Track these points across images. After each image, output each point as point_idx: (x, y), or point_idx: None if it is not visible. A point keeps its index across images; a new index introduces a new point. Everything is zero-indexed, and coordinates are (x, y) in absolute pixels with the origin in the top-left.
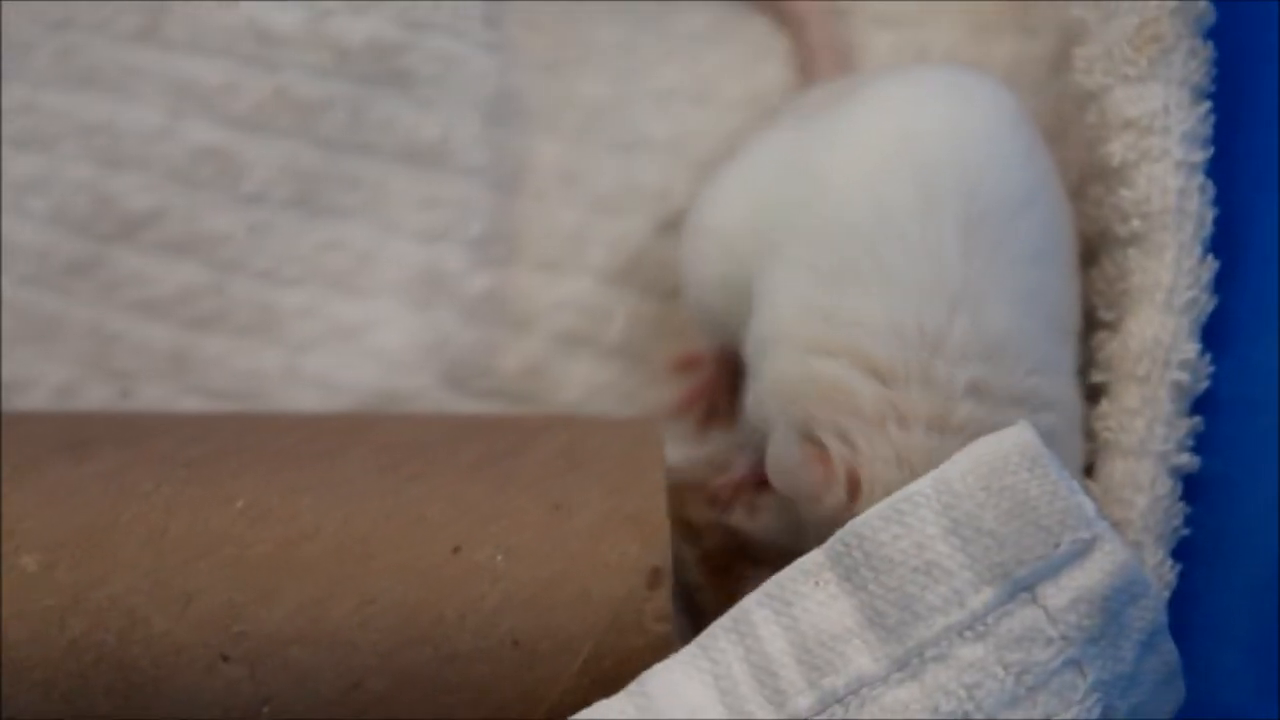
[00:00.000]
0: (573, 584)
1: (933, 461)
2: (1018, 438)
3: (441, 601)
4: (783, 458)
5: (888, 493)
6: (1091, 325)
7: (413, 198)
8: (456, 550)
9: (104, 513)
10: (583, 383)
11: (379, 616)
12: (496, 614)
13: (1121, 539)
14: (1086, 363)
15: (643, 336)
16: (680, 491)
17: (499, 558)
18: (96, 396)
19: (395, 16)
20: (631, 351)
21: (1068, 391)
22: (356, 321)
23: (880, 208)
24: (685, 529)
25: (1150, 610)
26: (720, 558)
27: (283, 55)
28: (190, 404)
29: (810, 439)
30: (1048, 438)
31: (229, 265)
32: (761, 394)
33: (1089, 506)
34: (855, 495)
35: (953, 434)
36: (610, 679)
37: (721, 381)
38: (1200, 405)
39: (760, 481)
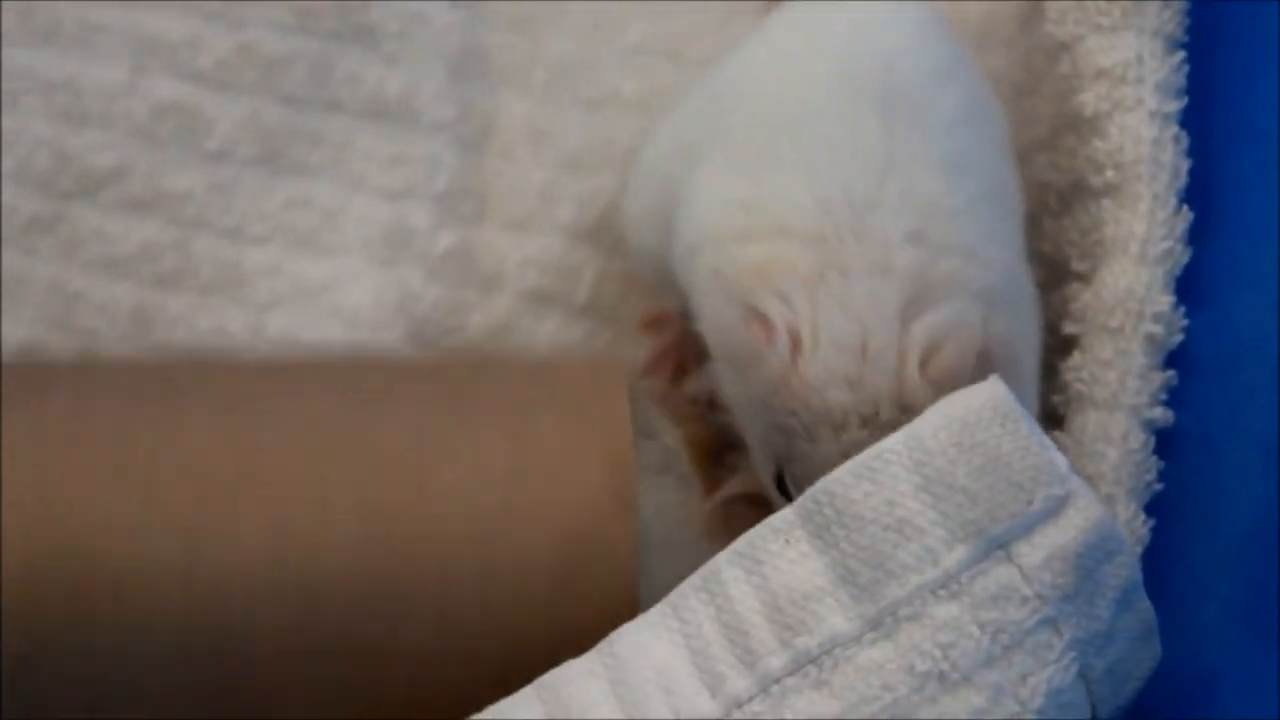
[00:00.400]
0: (538, 516)
1: (880, 308)
2: (990, 393)
3: (405, 534)
4: (721, 318)
5: (834, 344)
6: (1065, 276)
7: (378, 155)
8: (420, 483)
9: (61, 446)
10: (551, 341)
11: (341, 549)
12: (461, 546)
13: (1095, 495)
14: (1060, 314)
15: (611, 295)
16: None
17: (464, 490)
18: (60, 355)
19: None
20: (600, 310)
21: (1013, 260)
22: (322, 280)
23: (797, 93)
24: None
25: (1125, 567)
26: (706, 449)
27: (246, 11)
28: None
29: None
30: (991, 300)
31: (192, 223)
32: (698, 305)
33: (1061, 463)
34: (797, 349)
35: (896, 279)
36: (576, 612)
37: (689, 340)
38: (1174, 359)
39: None
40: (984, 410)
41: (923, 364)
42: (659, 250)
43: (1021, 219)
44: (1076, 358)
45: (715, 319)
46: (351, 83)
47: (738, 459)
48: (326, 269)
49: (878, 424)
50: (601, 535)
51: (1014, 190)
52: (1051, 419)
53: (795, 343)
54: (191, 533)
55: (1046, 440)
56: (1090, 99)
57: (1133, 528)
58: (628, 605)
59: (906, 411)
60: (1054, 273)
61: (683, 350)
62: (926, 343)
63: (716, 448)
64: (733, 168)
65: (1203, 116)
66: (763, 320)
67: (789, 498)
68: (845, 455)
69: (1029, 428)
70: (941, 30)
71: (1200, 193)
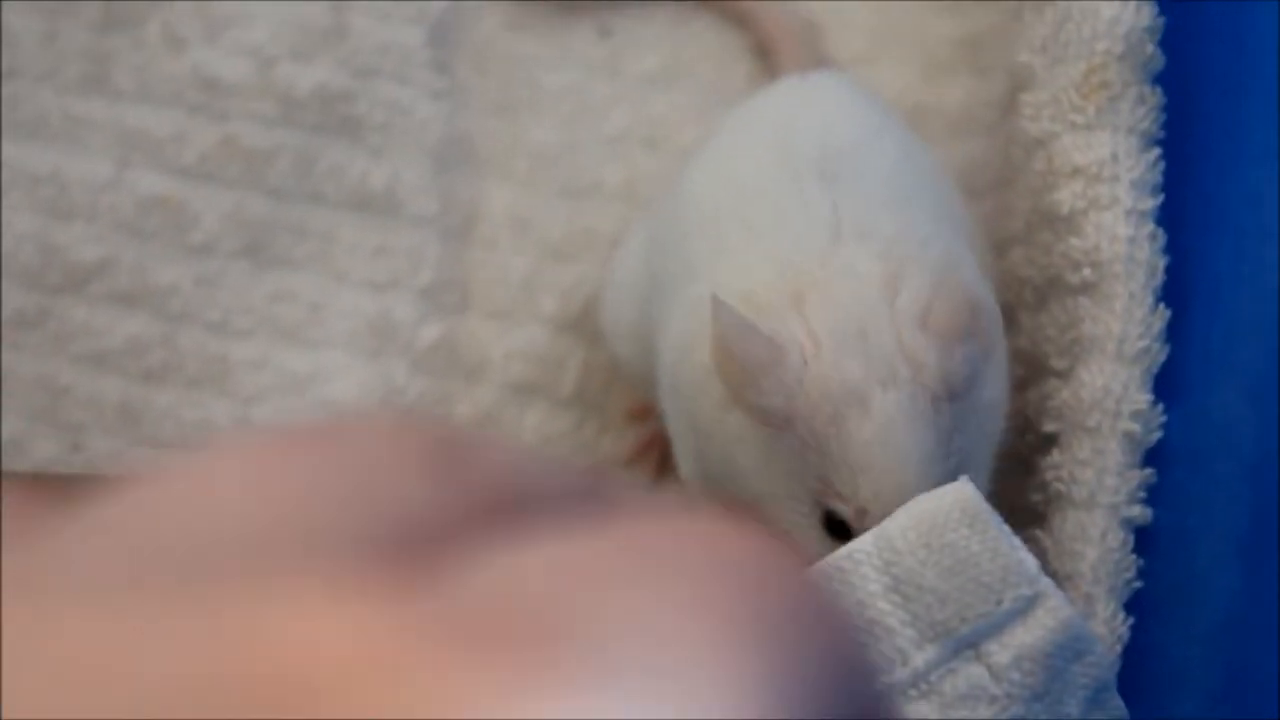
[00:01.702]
0: None
1: (863, 298)
2: (958, 494)
3: None
4: (727, 327)
5: (834, 336)
6: (1043, 373)
7: (362, 247)
8: None
9: None
10: (536, 432)
11: None
12: None
13: (1064, 596)
14: (1038, 412)
15: (596, 385)
16: None
17: None
18: (46, 450)
19: (342, 64)
20: (585, 400)
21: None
22: (307, 372)
23: (739, 182)
24: None
25: (1095, 667)
26: None
27: (230, 104)
28: (141, 456)
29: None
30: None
31: (178, 317)
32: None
33: (1030, 563)
34: (802, 354)
35: (869, 277)
36: None
37: None
38: (1152, 457)
39: None
40: (952, 511)
41: (921, 326)
42: (644, 364)
43: (979, 253)
44: (1055, 456)
45: (721, 326)
46: (335, 175)
47: None
48: (312, 362)
49: (897, 383)
50: None
51: (968, 225)
52: (1030, 517)
53: (803, 350)
54: None
55: (1015, 540)
56: (1066, 196)
57: (1112, 626)
58: None
59: (920, 369)
60: (1031, 369)
61: (667, 441)
62: (917, 307)
63: None
64: (689, 272)
65: (1178, 212)
66: (765, 340)
67: (842, 537)
68: (883, 432)
69: (997, 528)
70: (868, 98)
71: (1177, 288)
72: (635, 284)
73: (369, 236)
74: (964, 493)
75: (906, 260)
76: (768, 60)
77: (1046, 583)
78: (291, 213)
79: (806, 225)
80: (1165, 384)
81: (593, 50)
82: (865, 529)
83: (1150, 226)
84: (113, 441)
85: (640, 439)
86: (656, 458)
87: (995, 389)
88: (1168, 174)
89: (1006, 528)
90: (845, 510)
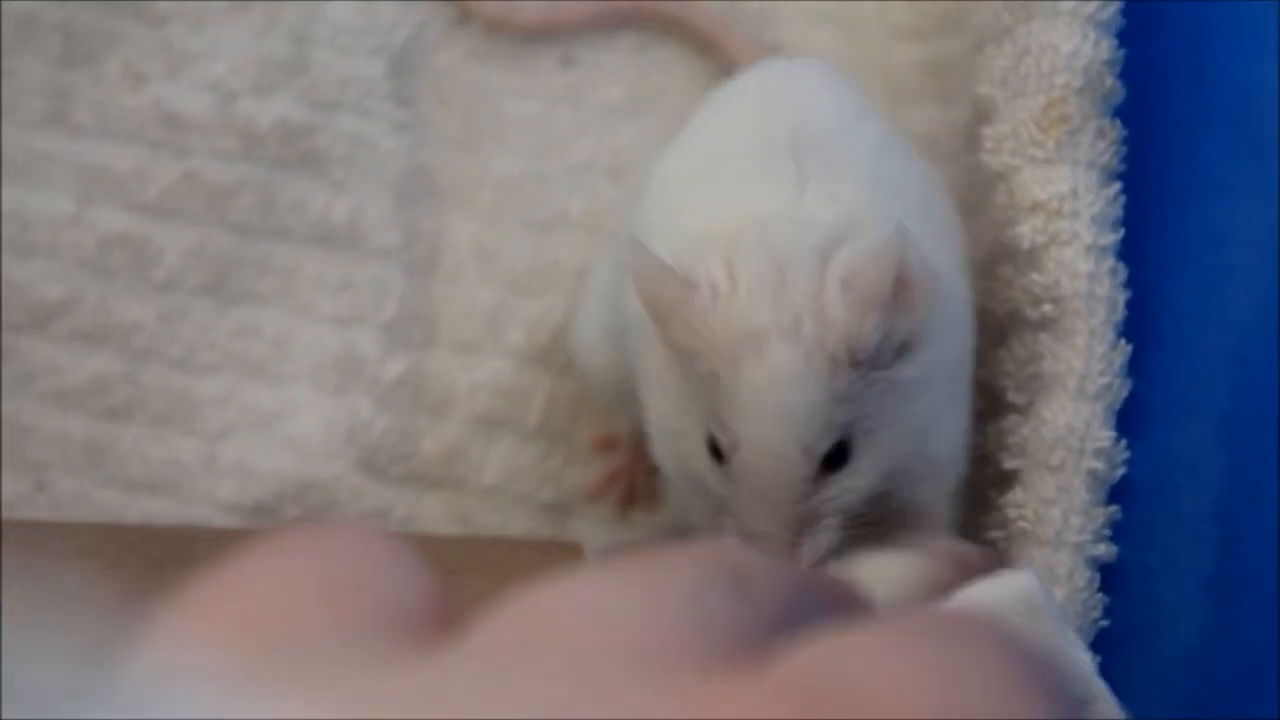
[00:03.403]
0: None
1: (798, 247)
2: (1020, 586)
3: None
4: (641, 266)
5: (753, 279)
6: (1002, 409)
7: (326, 281)
8: None
9: None
10: (502, 465)
11: None
12: None
13: (1114, 700)
14: (997, 446)
15: (562, 417)
16: None
17: None
18: (11, 490)
19: (303, 97)
20: (551, 432)
21: (945, 265)
22: (272, 408)
23: (711, 147)
24: None
25: None
26: None
27: (192, 140)
28: (107, 495)
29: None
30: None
31: (142, 354)
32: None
33: (1084, 662)
34: (717, 293)
35: (814, 226)
36: None
37: (640, 462)
38: (1116, 493)
39: None
40: (1016, 605)
41: (844, 286)
42: (614, 371)
43: (959, 247)
44: (1019, 494)
45: (637, 262)
46: (298, 209)
47: None
48: (277, 397)
49: (800, 339)
50: None
51: (956, 232)
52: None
53: (715, 289)
54: None
55: (1073, 636)
56: (1026, 231)
57: None
58: None
59: (828, 327)
60: (990, 403)
61: (634, 472)
62: (846, 270)
63: None
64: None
65: (1139, 246)
66: (676, 278)
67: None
68: (771, 380)
69: (1056, 624)
70: (852, 86)
71: (1139, 323)
72: (605, 294)
73: (333, 271)
74: (1026, 585)
75: (858, 224)
76: None
77: (1100, 685)
78: (254, 248)
79: (771, 184)
80: (1128, 420)
81: (556, 80)
82: (735, 461)
83: (1111, 261)
84: (78, 481)
85: (606, 470)
86: (623, 489)
87: (931, 367)
88: (1128, 208)
89: (1066, 624)
90: (723, 440)
